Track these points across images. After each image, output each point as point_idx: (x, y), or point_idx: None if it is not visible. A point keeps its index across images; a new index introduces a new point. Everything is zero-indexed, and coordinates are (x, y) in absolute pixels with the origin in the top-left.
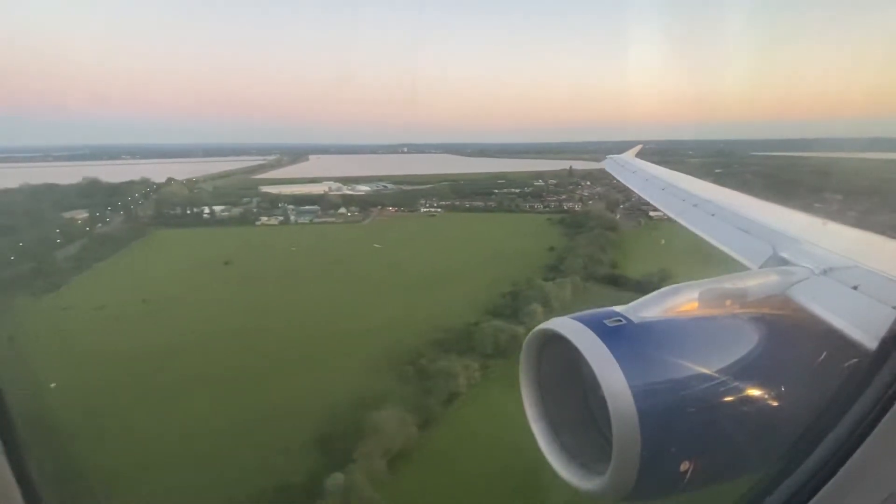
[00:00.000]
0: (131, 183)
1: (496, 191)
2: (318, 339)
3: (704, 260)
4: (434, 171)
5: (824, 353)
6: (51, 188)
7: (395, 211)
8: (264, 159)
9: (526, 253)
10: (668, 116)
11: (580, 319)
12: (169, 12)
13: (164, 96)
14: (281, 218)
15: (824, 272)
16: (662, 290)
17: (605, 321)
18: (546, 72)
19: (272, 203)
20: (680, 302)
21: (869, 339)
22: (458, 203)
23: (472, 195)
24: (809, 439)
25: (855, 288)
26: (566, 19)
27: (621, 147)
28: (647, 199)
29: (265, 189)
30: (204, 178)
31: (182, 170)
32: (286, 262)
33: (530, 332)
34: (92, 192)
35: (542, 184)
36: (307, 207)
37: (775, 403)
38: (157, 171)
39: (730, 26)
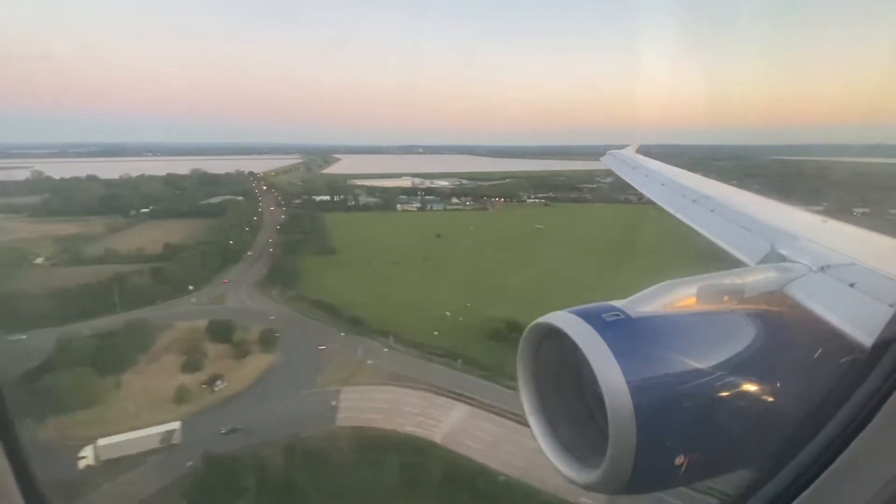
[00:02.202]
0: (228, 175)
1: (585, 185)
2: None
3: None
4: (480, 169)
5: (821, 350)
6: (172, 177)
7: (504, 201)
8: (298, 158)
9: (679, 231)
10: (674, 121)
11: (578, 313)
12: (177, 15)
13: (170, 96)
14: (418, 205)
15: (822, 269)
16: (660, 284)
17: (603, 315)
18: (553, 77)
19: (385, 193)
20: (678, 297)
21: (865, 336)
22: (555, 195)
23: (559, 188)
24: (805, 434)
25: (852, 285)
26: (577, 24)
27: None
28: (647, 194)
29: (359, 182)
30: (275, 172)
31: (215, 165)
32: (483, 236)
33: (528, 326)
34: (213, 182)
35: (614, 180)
36: (429, 197)
37: (771, 399)
38: (189, 166)
39: (740, 32)
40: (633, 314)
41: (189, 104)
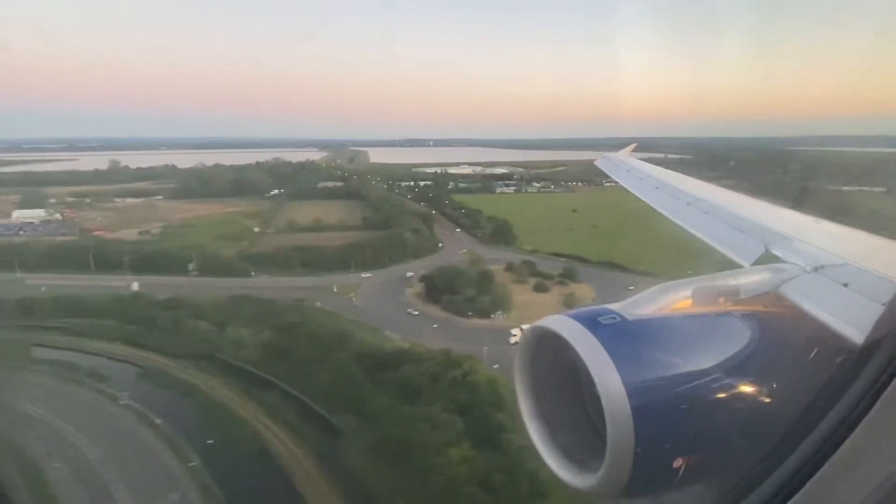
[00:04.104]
0: (301, 163)
1: None
2: None
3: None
4: (517, 160)
5: (816, 350)
6: (266, 165)
7: (581, 185)
8: (315, 151)
9: None
10: (679, 114)
11: (575, 317)
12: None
13: (171, 93)
14: (515, 188)
15: (815, 270)
16: (656, 287)
17: (600, 318)
18: (554, 70)
19: (464, 179)
20: (674, 299)
21: (859, 336)
22: None
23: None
24: (798, 433)
25: (845, 285)
26: (576, 17)
27: (641, 142)
28: (642, 197)
29: (426, 171)
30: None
31: (254, 157)
32: (609, 211)
33: (525, 329)
34: (301, 169)
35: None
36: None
37: (768, 399)
38: (213, 160)
39: (747, 23)
40: (629, 317)
41: (192, 100)
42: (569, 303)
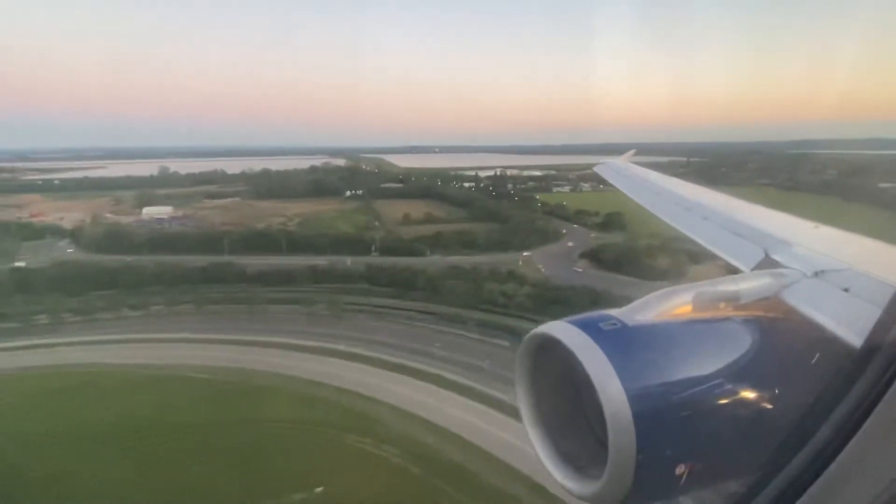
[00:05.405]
0: (352, 168)
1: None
2: None
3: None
4: (541, 164)
5: (817, 355)
6: (323, 168)
7: None
8: (327, 158)
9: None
10: (679, 118)
11: (575, 323)
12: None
13: (174, 101)
14: (570, 187)
15: (816, 275)
16: (657, 293)
17: (601, 324)
18: (552, 75)
19: (514, 180)
20: (674, 305)
21: (859, 340)
22: None
23: None
24: (799, 438)
25: (846, 290)
26: (573, 20)
27: (643, 147)
28: (641, 203)
29: (468, 174)
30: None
31: (279, 164)
32: None
33: (526, 336)
34: (357, 174)
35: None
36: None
37: (769, 405)
38: (227, 166)
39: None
40: (630, 323)
41: (196, 109)
42: (729, 272)
